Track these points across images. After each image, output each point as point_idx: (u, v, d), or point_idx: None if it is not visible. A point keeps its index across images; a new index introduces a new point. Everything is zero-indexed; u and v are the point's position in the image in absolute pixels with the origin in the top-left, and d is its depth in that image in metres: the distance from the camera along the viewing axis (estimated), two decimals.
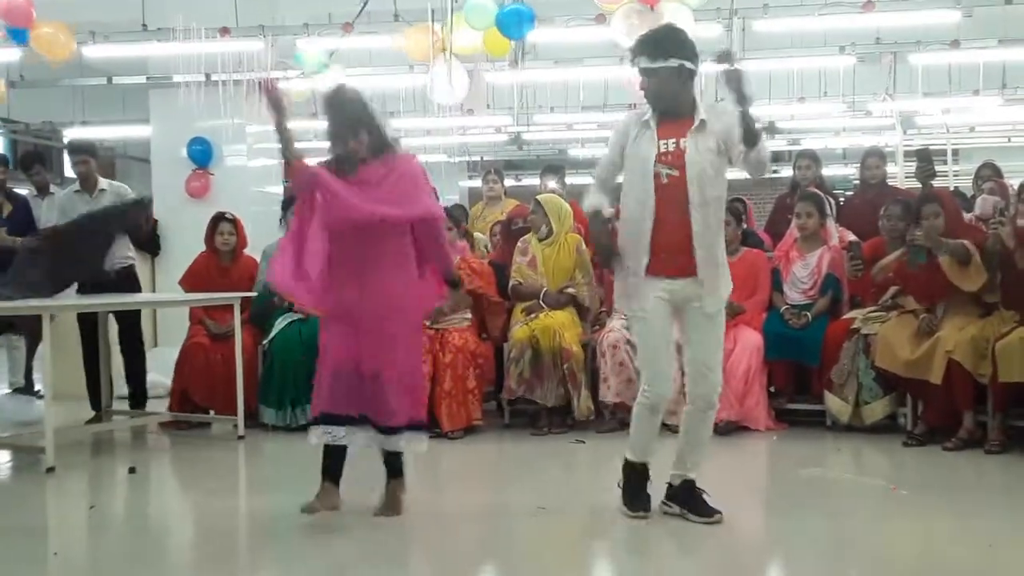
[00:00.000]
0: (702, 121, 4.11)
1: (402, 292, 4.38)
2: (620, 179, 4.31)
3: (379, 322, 4.31)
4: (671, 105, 4.14)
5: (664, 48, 4.09)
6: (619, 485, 4.43)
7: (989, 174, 7.46)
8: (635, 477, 4.38)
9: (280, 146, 4.41)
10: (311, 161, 4.48)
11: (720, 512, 4.27)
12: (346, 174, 4.31)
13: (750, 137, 3.98)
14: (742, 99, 3.94)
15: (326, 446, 4.42)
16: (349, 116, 4.34)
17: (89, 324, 6.97)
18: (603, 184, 4.34)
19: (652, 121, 4.15)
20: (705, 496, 4.33)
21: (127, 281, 7.05)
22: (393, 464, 4.56)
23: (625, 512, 4.35)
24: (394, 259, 4.36)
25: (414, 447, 4.48)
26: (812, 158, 7.58)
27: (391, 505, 4.52)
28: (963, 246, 5.60)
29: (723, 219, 4.25)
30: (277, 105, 4.42)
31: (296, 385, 6.49)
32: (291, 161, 4.38)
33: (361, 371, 4.31)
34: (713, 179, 4.10)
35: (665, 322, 4.22)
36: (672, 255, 4.12)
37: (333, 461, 4.45)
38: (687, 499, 4.32)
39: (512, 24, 7.59)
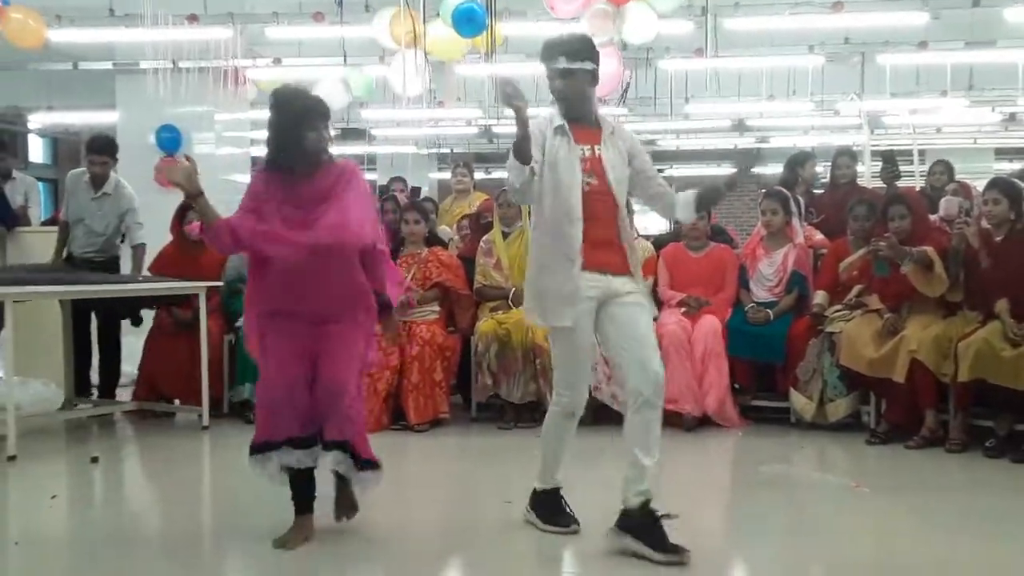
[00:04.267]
0: (612, 128, 4.14)
1: (352, 294, 4.08)
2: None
3: (332, 324, 4.00)
4: (580, 109, 4.11)
5: (582, 53, 4.08)
6: (526, 519, 4.27)
7: (941, 170, 7.52)
8: (548, 500, 4.24)
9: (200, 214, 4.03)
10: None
11: (683, 551, 3.82)
12: (293, 178, 3.96)
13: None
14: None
15: (291, 472, 4.09)
16: (322, 106, 4.07)
17: (80, 310, 6.94)
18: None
19: (567, 127, 4.08)
20: (666, 521, 3.89)
21: (110, 269, 7.03)
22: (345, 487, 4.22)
23: (553, 530, 4.18)
24: (341, 267, 4.04)
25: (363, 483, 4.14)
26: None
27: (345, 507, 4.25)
28: (926, 254, 5.66)
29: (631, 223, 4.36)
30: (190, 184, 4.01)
31: None
32: (211, 223, 3.98)
33: (314, 382, 3.96)
34: (625, 184, 4.15)
35: (589, 322, 4.04)
36: (601, 251, 4.04)
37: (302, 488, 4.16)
38: (644, 528, 3.89)
39: (465, 22, 7.62)
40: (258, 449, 4.05)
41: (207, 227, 3.99)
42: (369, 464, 4.13)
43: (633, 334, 4.01)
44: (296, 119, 3.95)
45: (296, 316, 4.01)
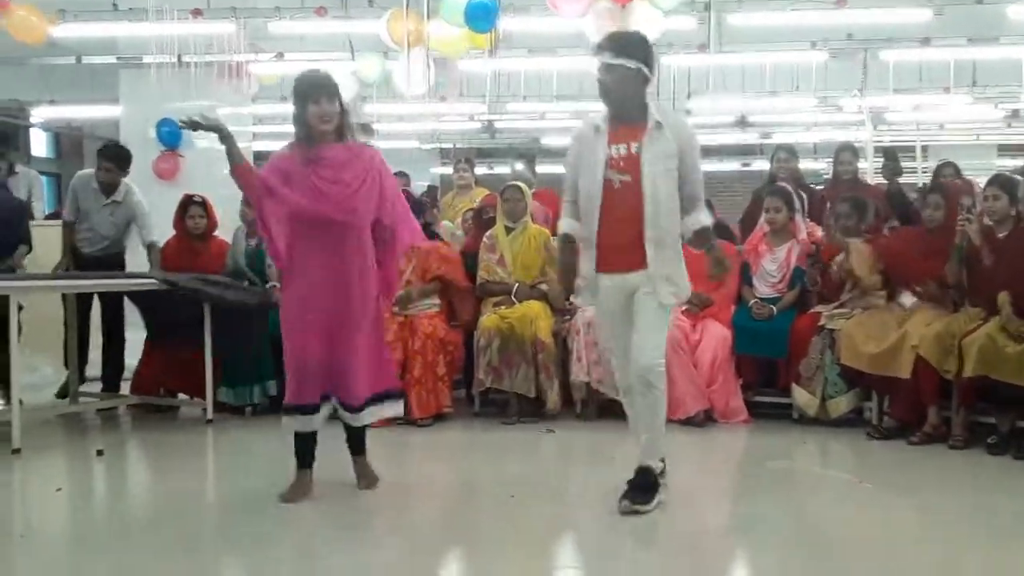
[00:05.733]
0: (657, 123, 4.22)
1: (364, 279, 4.48)
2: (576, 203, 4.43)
3: (344, 309, 4.42)
4: (623, 106, 4.26)
5: (627, 49, 4.23)
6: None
7: (950, 173, 7.54)
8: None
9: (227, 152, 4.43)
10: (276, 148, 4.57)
11: (646, 505, 4.25)
12: (308, 147, 4.39)
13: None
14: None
15: (296, 434, 4.54)
16: (326, 81, 4.44)
17: (84, 304, 6.95)
18: (572, 205, 4.44)
19: (604, 125, 4.27)
20: (661, 483, 4.36)
21: (115, 265, 7.05)
22: (356, 441, 4.70)
23: None
24: (355, 246, 4.45)
25: (387, 412, 4.71)
26: (790, 151, 7.63)
27: (367, 478, 4.70)
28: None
29: (678, 217, 4.32)
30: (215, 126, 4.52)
31: (260, 365, 6.52)
32: (235, 165, 4.43)
33: (328, 357, 4.44)
34: (666, 179, 4.23)
35: (619, 316, 4.36)
36: (622, 254, 4.26)
37: (305, 447, 4.57)
38: (632, 485, 4.32)
39: (480, 17, 7.63)
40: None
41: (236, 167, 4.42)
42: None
43: (637, 326, 4.29)
44: (301, 96, 4.39)
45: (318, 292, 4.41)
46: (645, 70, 4.23)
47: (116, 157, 7.00)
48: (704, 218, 4.37)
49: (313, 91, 4.38)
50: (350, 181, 4.39)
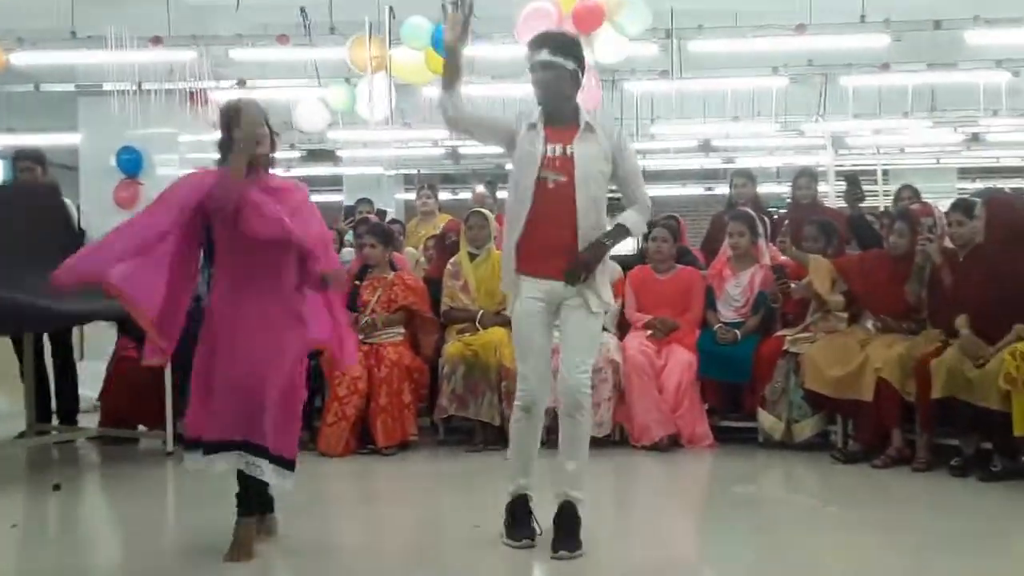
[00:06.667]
0: (587, 124, 4.18)
1: (286, 312, 4.15)
2: (470, 109, 4.26)
3: (264, 336, 4.06)
4: (558, 106, 4.19)
5: (565, 49, 4.19)
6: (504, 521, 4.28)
7: (909, 195, 7.63)
8: (516, 508, 4.25)
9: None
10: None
11: (577, 551, 4.05)
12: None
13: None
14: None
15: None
16: (260, 114, 4.19)
17: (36, 337, 6.79)
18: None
19: (540, 124, 4.18)
20: (579, 527, 4.12)
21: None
22: (263, 496, 4.23)
23: (506, 542, 4.20)
24: (283, 278, 4.16)
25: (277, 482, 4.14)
26: (748, 176, 7.72)
27: (241, 546, 4.12)
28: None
29: (604, 221, 4.24)
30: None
31: None
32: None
33: (242, 386, 4.01)
34: (598, 182, 4.17)
35: (538, 320, 4.16)
36: (552, 256, 4.12)
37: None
38: (558, 525, 4.13)
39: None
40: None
41: None
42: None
43: (567, 342, 4.20)
44: (227, 120, 4.16)
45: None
46: (579, 72, 4.20)
47: (32, 156, 6.92)
48: (631, 218, 4.23)
49: (235, 116, 4.11)
50: (283, 208, 4.11)
